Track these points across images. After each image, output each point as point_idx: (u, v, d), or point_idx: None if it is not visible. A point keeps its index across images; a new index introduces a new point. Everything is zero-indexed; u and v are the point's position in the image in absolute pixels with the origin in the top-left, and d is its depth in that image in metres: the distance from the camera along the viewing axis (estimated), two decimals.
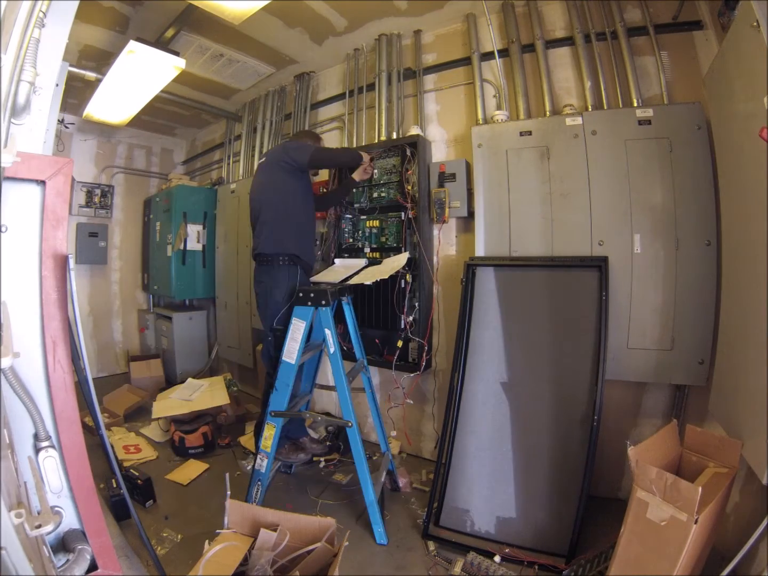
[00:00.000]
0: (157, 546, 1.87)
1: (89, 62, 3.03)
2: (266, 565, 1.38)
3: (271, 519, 1.50)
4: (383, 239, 2.75)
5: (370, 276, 2.40)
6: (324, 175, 3.09)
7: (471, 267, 2.25)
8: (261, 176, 2.36)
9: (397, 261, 2.49)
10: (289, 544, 1.44)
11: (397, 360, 2.62)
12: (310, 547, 1.41)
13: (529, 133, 2.25)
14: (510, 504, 1.97)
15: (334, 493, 2.31)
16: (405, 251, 2.59)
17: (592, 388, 1.94)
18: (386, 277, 2.35)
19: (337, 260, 2.85)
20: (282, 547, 1.44)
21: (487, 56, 2.55)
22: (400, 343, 2.57)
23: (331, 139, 3.33)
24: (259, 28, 2.72)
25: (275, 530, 1.44)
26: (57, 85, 1.29)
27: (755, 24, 1.24)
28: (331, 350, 2.01)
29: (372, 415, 2.49)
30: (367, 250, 2.81)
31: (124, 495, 1.56)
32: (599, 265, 2.03)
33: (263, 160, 2.41)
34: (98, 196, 4.51)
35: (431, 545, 1.92)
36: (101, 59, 2.97)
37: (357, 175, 2.60)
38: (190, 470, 2.56)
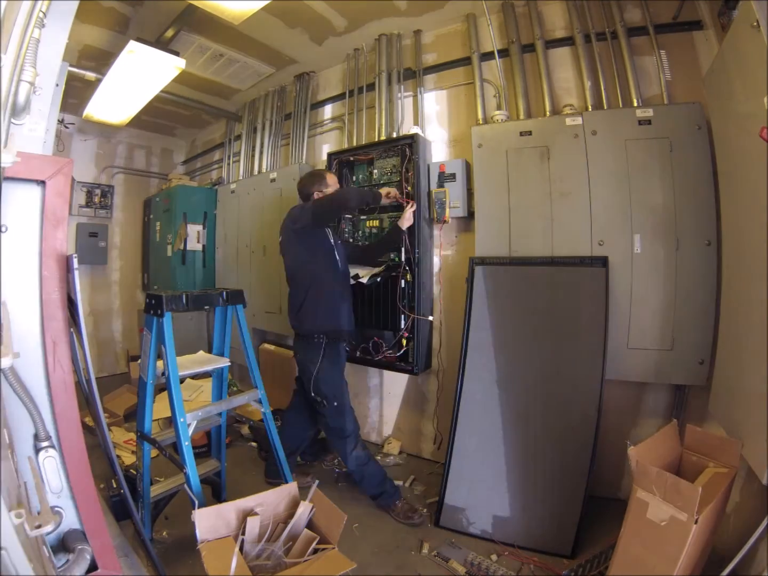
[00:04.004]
0: (156, 546, 1.87)
1: (89, 62, 3.03)
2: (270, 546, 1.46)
3: (242, 506, 1.52)
4: None
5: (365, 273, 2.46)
6: None
7: (475, 265, 2.26)
8: (284, 243, 2.27)
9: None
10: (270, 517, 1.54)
11: (397, 360, 2.63)
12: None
13: (529, 133, 2.25)
14: (510, 504, 1.97)
15: None
16: (400, 251, 2.59)
17: (592, 388, 1.94)
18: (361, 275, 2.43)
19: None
20: (270, 521, 1.53)
21: (487, 56, 2.55)
22: (404, 342, 2.57)
23: (331, 140, 3.34)
24: (259, 28, 2.72)
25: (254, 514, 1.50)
26: (57, 85, 1.30)
27: (755, 24, 1.24)
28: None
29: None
30: None
31: (125, 495, 1.56)
32: (599, 264, 2.04)
33: (280, 233, 2.30)
34: (98, 196, 4.50)
35: (431, 545, 1.92)
36: (101, 59, 2.97)
37: (403, 223, 2.38)
38: None
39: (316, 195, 2.26)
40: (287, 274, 2.31)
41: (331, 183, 2.33)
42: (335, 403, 2.14)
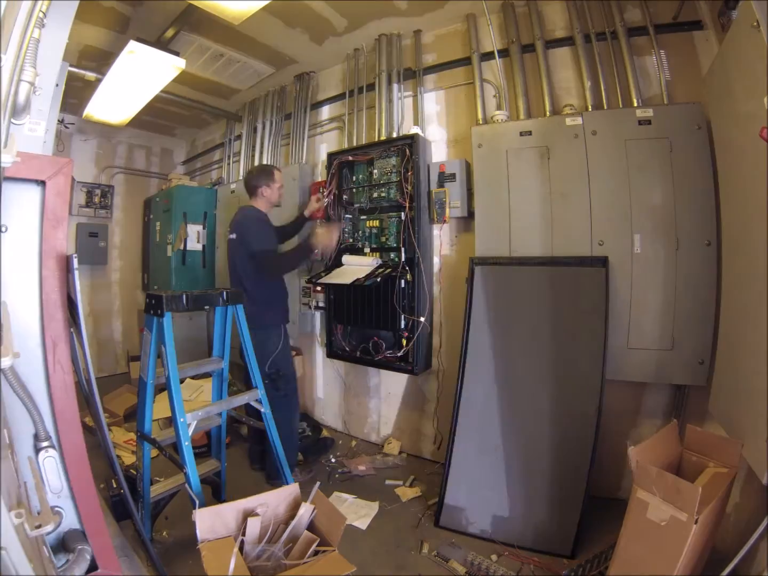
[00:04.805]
0: (156, 546, 1.87)
1: (89, 62, 3.03)
2: (271, 547, 1.45)
3: (243, 507, 1.52)
4: (383, 239, 2.74)
5: (348, 276, 2.53)
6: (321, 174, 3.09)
7: (475, 265, 2.26)
8: (231, 250, 2.46)
9: (366, 262, 2.66)
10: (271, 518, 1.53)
11: (397, 361, 2.63)
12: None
13: (529, 133, 2.25)
14: (510, 504, 1.97)
15: None
16: (400, 251, 2.59)
17: (593, 388, 1.94)
18: (361, 276, 2.47)
19: (345, 258, 2.82)
20: (271, 522, 1.52)
21: (487, 56, 2.55)
22: (404, 342, 2.57)
23: (331, 140, 3.34)
24: (259, 28, 2.72)
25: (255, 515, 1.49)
26: (57, 85, 1.30)
27: (755, 24, 1.23)
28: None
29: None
30: (367, 250, 2.81)
31: (125, 495, 1.56)
32: (599, 265, 2.04)
33: (230, 231, 2.45)
34: (98, 196, 4.50)
35: (431, 545, 1.92)
36: (101, 59, 2.97)
37: (305, 211, 2.79)
38: None
39: (264, 190, 2.45)
40: (237, 274, 2.43)
41: (278, 179, 2.52)
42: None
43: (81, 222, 4.39)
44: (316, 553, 1.46)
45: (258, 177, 2.48)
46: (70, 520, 1.23)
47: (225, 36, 2.81)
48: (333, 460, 2.77)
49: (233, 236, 2.41)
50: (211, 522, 1.45)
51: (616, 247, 2.07)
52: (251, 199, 2.50)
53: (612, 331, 2.02)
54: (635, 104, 2.11)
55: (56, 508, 1.20)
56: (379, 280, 2.51)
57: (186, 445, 1.65)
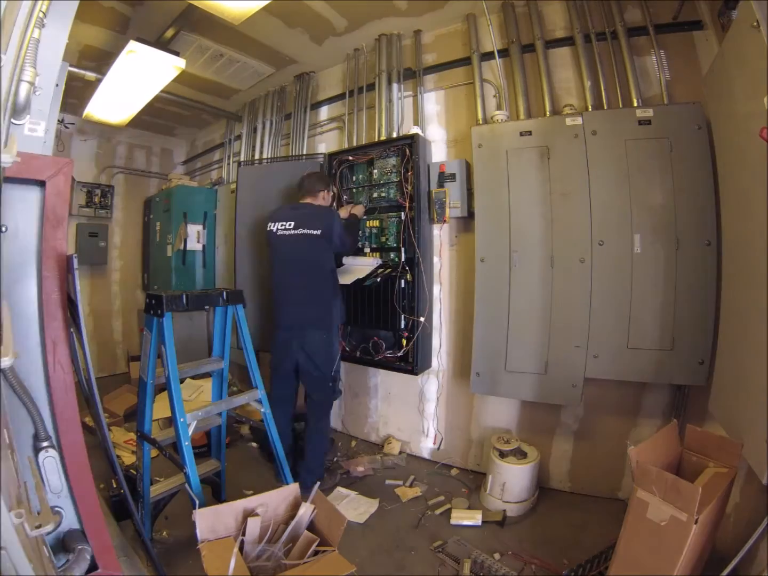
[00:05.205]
0: (156, 546, 1.87)
1: (89, 62, 3.03)
2: (271, 548, 1.46)
3: (243, 507, 1.52)
4: (383, 239, 2.74)
5: (349, 276, 2.58)
6: None
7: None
8: (301, 246, 2.33)
9: (366, 262, 2.71)
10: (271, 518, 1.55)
11: (397, 361, 2.62)
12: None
13: (529, 133, 2.25)
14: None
15: None
16: (400, 251, 2.59)
17: None
18: (362, 276, 2.53)
19: (345, 259, 2.81)
20: (271, 522, 1.53)
21: (487, 56, 2.55)
22: (404, 342, 2.57)
23: (331, 139, 3.34)
24: (259, 28, 2.71)
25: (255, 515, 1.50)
26: (57, 85, 1.30)
27: (755, 24, 1.24)
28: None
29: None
30: (367, 250, 2.81)
31: (125, 495, 1.56)
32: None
33: (292, 226, 2.35)
34: (98, 196, 4.50)
35: (435, 543, 1.92)
36: (101, 59, 2.97)
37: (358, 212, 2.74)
38: None
39: (324, 195, 2.50)
40: (299, 271, 2.36)
41: (332, 191, 2.65)
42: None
43: (81, 222, 4.39)
44: (316, 553, 1.46)
45: (321, 180, 2.52)
46: (70, 520, 1.23)
47: (225, 36, 2.81)
48: (335, 459, 2.76)
49: (316, 232, 2.29)
50: (211, 522, 1.45)
51: (616, 247, 2.07)
52: (308, 199, 2.47)
53: (612, 330, 2.03)
54: (635, 104, 2.11)
55: (56, 508, 1.20)
56: (379, 280, 2.51)
57: (186, 445, 1.65)
